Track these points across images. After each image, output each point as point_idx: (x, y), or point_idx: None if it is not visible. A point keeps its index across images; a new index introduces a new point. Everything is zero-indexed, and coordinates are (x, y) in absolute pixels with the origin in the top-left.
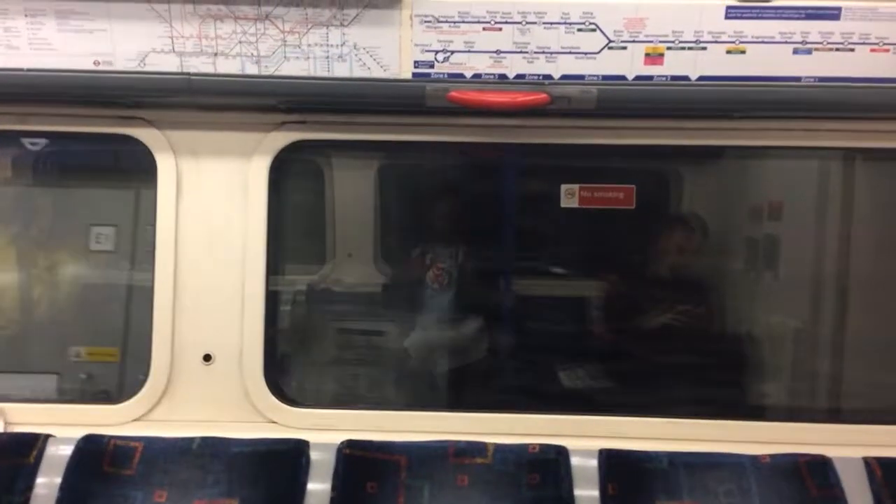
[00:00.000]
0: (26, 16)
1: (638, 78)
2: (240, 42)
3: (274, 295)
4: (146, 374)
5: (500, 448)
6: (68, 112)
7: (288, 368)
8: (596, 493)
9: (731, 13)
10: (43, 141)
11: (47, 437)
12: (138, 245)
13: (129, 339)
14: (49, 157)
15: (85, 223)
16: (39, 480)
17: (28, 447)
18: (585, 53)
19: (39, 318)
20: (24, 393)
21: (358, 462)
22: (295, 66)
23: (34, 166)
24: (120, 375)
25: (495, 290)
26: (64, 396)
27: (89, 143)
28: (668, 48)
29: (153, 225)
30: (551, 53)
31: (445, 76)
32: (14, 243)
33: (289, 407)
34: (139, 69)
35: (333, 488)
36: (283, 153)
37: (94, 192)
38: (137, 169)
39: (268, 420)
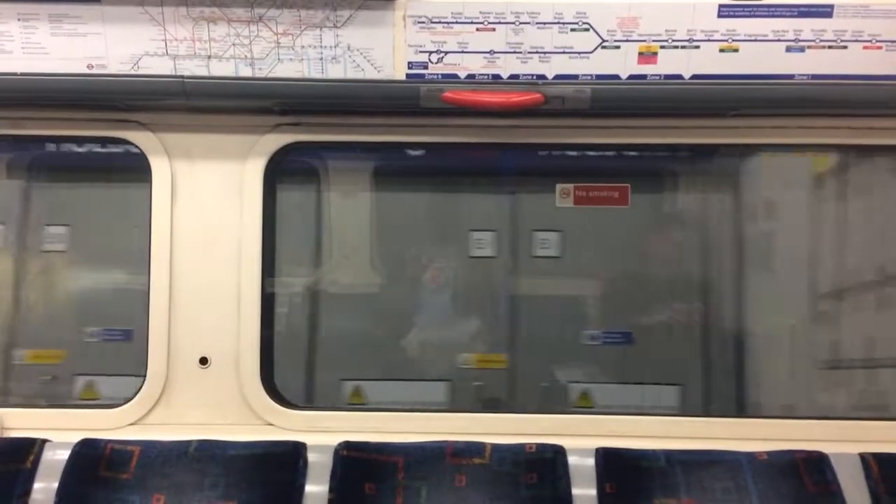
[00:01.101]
0: (19, 20)
1: (631, 77)
2: (233, 44)
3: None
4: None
5: (497, 448)
6: (62, 116)
7: None
8: (593, 491)
9: (724, 11)
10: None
11: (44, 441)
12: (519, 251)
13: (516, 345)
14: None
15: (464, 227)
16: (37, 485)
17: (25, 452)
18: (579, 53)
19: (427, 328)
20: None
21: (355, 463)
22: (289, 68)
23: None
24: (510, 382)
25: None
26: (454, 405)
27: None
28: (662, 47)
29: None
30: (545, 53)
31: (439, 77)
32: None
33: (285, 409)
34: (133, 72)
35: (331, 490)
36: (277, 155)
37: (473, 196)
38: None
39: (265, 422)
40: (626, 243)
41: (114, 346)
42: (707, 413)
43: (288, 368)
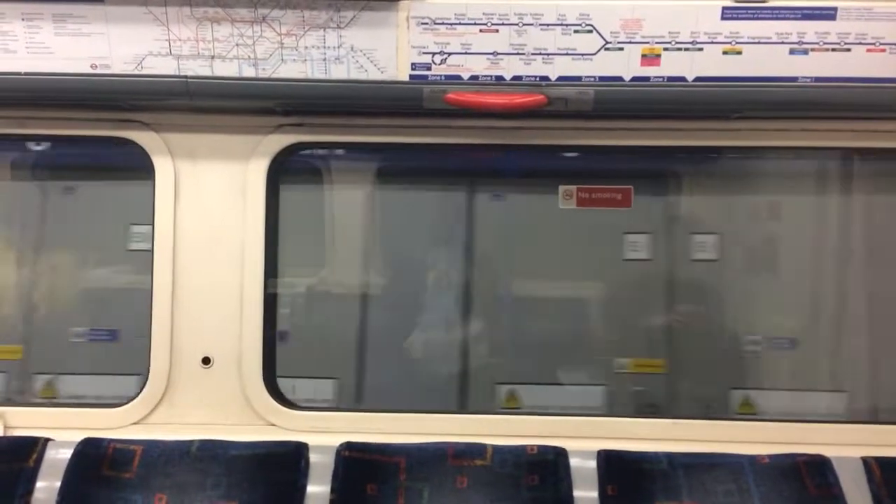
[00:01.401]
0: (23, 20)
1: (635, 79)
2: (237, 45)
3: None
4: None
5: (499, 449)
6: (66, 115)
7: None
8: (595, 493)
9: (728, 14)
10: None
11: (47, 440)
12: (677, 255)
13: (675, 349)
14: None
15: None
16: (39, 484)
17: (28, 451)
18: (582, 55)
19: (585, 332)
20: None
21: (357, 464)
22: (292, 69)
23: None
24: (668, 387)
25: None
26: (611, 410)
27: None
28: (665, 49)
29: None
30: (548, 55)
31: (442, 78)
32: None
33: (288, 409)
34: (136, 72)
35: (333, 490)
36: (280, 155)
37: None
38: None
39: (267, 423)
40: (786, 244)
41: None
42: (709, 416)
43: (441, 371)
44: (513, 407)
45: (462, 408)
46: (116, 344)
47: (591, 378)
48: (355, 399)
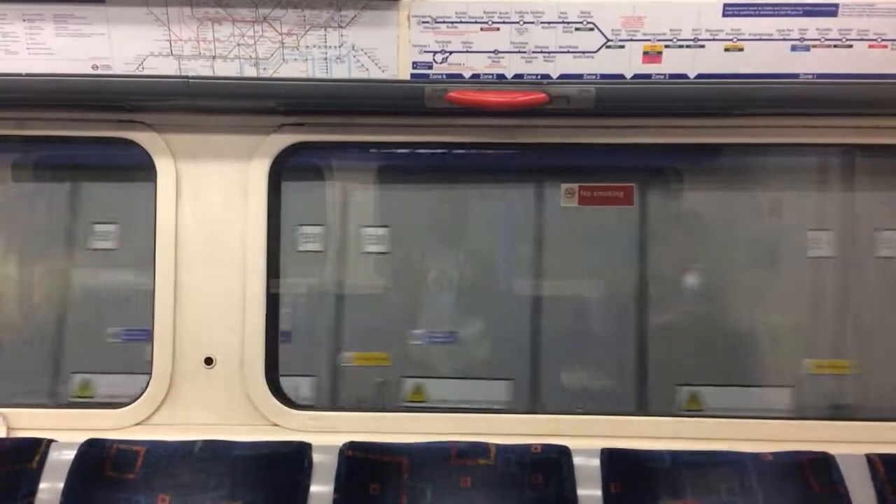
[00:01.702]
0: (24, 20)
1: (636, 76)
2: (238, 45)
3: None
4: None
5: (502, 449)
6: (67, 116)
7: None
8: (599, 492)
9: (729, 11)
10: None
11: (50, 441)
12: (856, 251)
13: (864, 349)
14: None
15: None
16: (42, 485)
17: (31, 452)
18: (583, 52)
19: (770, 331)
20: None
21: (360, 464)
22: (293, 68)
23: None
24: (856, 388)
25: None
26: (798, 412)
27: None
28: (666, 46)
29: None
30: (549, 53)
31: (444, 77)
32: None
33: (291, 409)
34: (137, 73)
35: (336, 490)
36: (282, 155)
37: (810, 194)
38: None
39: (270, 423)
40: None
41: (437, 348)
42: (712, 414)
43: (619, 373)
44: (694, 409)
45: (641, 410)
46: (287, 345)
47: (776, 379)
48: (531, 401)
